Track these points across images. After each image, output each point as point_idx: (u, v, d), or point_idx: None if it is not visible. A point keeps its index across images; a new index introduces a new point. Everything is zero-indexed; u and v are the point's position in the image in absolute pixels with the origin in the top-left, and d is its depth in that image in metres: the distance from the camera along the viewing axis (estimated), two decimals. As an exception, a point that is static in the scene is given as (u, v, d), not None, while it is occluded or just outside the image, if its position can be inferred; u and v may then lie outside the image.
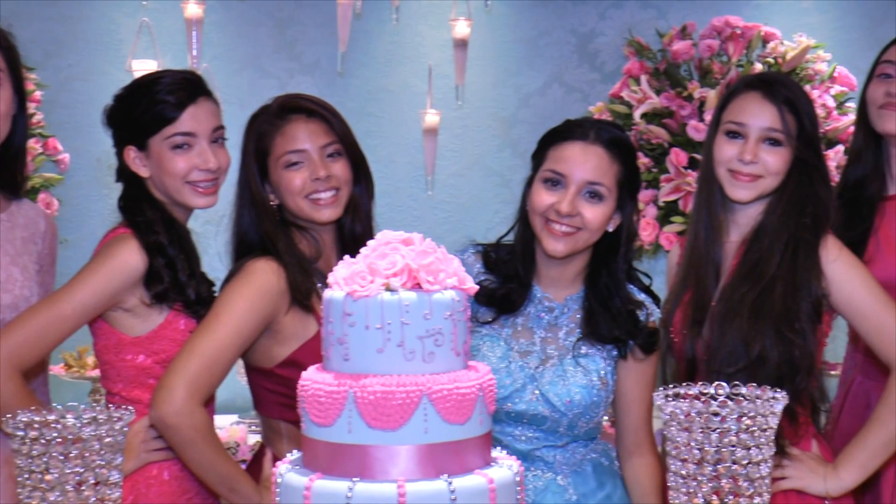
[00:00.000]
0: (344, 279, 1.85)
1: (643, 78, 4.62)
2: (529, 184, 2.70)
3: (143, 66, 4.55)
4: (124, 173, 2.78)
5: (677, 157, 4.41)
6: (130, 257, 2.62)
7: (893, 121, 2.95)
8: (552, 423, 2.64)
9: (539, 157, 2.69)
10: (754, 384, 1.97)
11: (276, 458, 2.53)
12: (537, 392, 2.63)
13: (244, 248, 2.74)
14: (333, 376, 1.83)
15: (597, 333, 2.67)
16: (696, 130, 4.36)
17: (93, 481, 1.87)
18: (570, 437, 2.68)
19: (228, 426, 4.49)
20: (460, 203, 5.49)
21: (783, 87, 2.72)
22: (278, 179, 2.74)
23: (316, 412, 1.82)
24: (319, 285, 2.60)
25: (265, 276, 2.63)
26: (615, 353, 2.69)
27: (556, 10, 5.50)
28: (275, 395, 2.69)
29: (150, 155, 2.72)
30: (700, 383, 1.98)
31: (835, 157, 4.33)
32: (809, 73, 4.61)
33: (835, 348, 3.24)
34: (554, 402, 2.62)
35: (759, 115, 2.69)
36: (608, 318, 2.67)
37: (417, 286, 1.84)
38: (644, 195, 4.48)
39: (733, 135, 2.71)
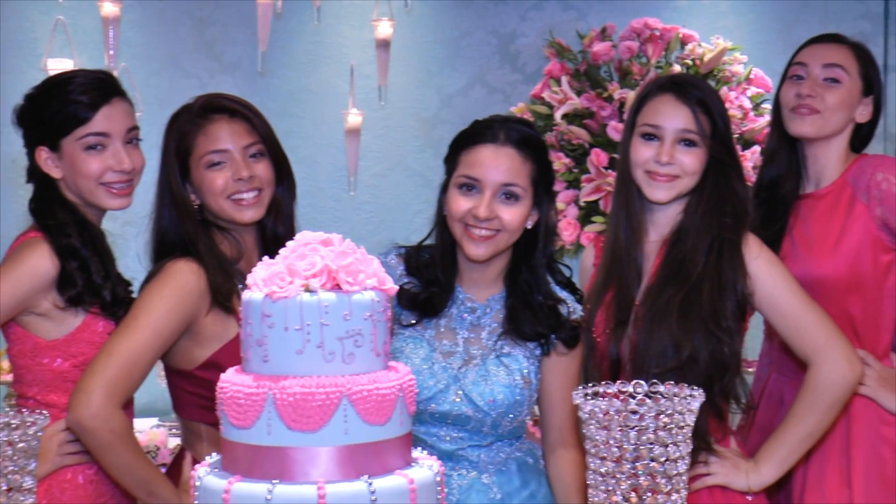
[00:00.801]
0: (263, 280, 1.84)
1: (564, 79, 4.65)
2: (445, 189, 2.70)
3: (59, 66, 4.48)
4: (35, 174, 2.74)
5: (598, 157, 4.44)
6: (40, 262, 2.59)
7: (805, 123, 3.00)
8: (476, 422, 2.65)
9: (452, 161, 2.69)
10: (685, 384, 1.99)
11: (195, 461, 2.51)
12: (461, 392, 2.64)
13: (164, 249, 2.71)
14: (252, 378, 1.82)
15: (519, 331, 2.68)
16: (617, 131, 4.40)
17: (5, 487, 1.84)
18: (495, 436, 2.68)
19: (148, 429, 4.45)
20: (382, 203, 5.48)
21: (695, 88, 2.76)
22: (200, 179, 2.72)
23: (235, 414, 1.81)
24: (240, 286, 2.57)
25: (185, 276, 2.61)
26: (538, 351, 2.70)
27: (477, 11, 5.52)
28: (195, 397, 2.66)
29: (62, 156, 2.68)
30: (619, 382, 2.00)
31: (752, 158, 4.39)
32: (726, 75, 4.67)
33: (752, 346, 3.29)
34: (477, 402, 2.63)
35: (673, 116, 2.73)
36: (530, 315, 2.68)
37: (337, 287, 1.83)
38: (565, 195, 4.51)
39: (649, 137, 2.75)
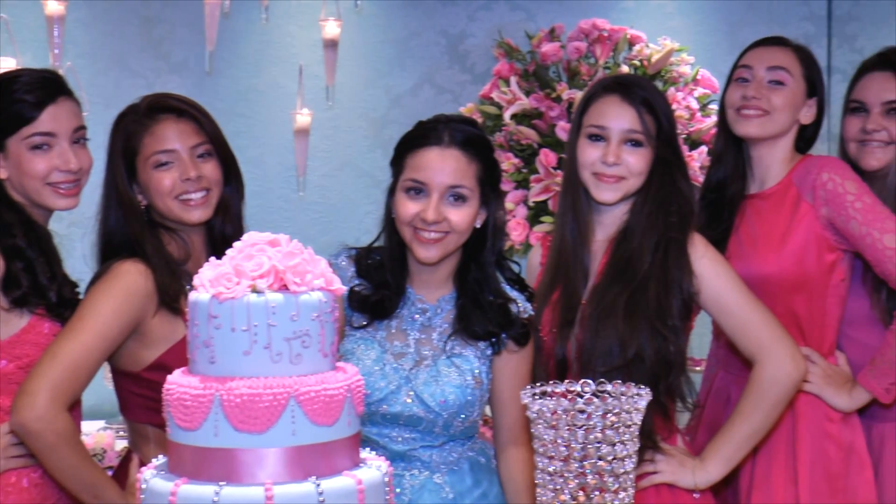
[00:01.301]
0: (209, 281, 1.83)
1: (513, 79, 4.66)
2: (392, 192, 2.70)
3: (2, 65, 4.41)
4: (-21, 175, 2.71)
5: (546, 157, 4.46)
6: (-17, 264, 2.56)
7: (751, 124, 3.03)
8: (428, 423, 2.65)
9: (397, 164, 2.69)
10: (631, 383, 2.00)
11: (142, 464, 2.49)
12: (412, 393, 2.63)
13: (110, 250, 2.70)
14: (199, 379, 1.81)
15: (469, 330, 2.68)
16: (565, 131, 4.41)
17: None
18: (447, 436, 2.68)
19: (95, 432, 4.40)
20: (331, 204, 5.46)
21: (640, 88, 2.79)
22: (147, 180, 2.70)
23: (181, 416, 1.80)
24: (188, 287, 2.56)
25: (132, 277, 2.59)
26: (489, 351, 2.70)
27: (426, 11, 5.52)
28: (142, 399, 2.64)
29: (7, 156, 2.66)
30: (567, 381, 2.01)
31: (699, 158, 4.43)
32: (674, 76, 4.71)
33: (698, 344, 3.32)
34: (428, 403, 2.62)
35: (619, 117, 2.75)
36: (480, 315, 2.68)
37: (284, 288, 1.83)
38: (514, 195, 4.52)
39: (595, 137, 2.77)
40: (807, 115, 3.08)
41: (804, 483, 2.91)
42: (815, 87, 3.07)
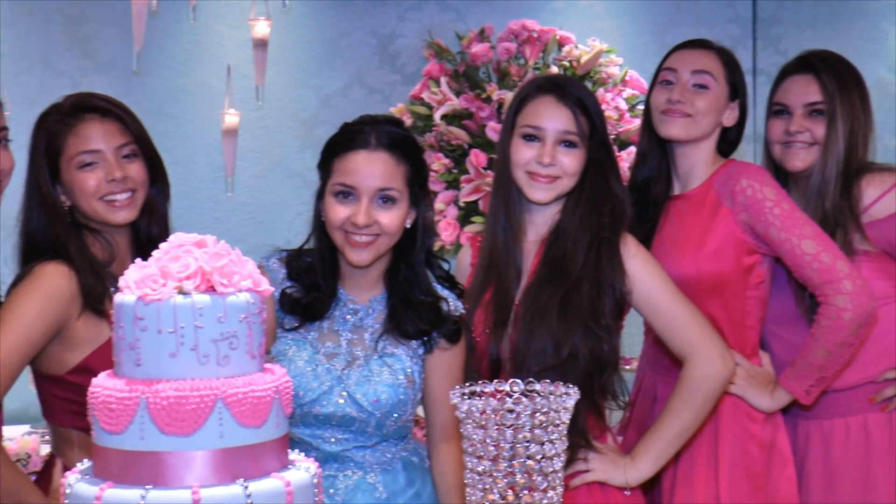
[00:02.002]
0: (135, 282, 1.81)
1: (443, 80, 4.67)
2: (321, 195, 2.69)
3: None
4: None
5: (477, 157, 4.47)
6: None
7: (675, 125, 3.05)
8: (361, 423, 2.64)
9: (325, 168, 2.68)
10: (560, 382, 2.01)
11: (66, 469, 2.46)
12: (345, 394, 2.62)
13: (33, 252, 2.66)
14: (125, 382, 1.79)
15: (401, 329, 2.67)
16: (495, 132, 4.43)
17: None
18: (380, 436, 2.68)
19: (19, 437, 4.34)
20: (261, 205, 5.44)
21: (574, 89, 2.81)
22: (71, 180, 2.67)
23: (107, 419, 1.78)
24: (113, 289, 2.53)
25: (55, 279, 2.56)
26: (421, 350, 2.70)
27: (355, 11, 5.51)
28: (66, 402, 2.61)
29: (-75, 158, 2.61)
30: (496, 381, 2.01)
31: (627, 158, 4.46)
32: (602, 77, 4.74)
33: (628, 343, 3.35)
34: (361, 403, 2.61)
35: (554, 118, 2.76)
36: (411, 314, 2.68)
37: (211, 289, 1.81)
38: (444, 196, 4.53)
39: (530, 138, 2.78)
40: (729, 118, 3.11)
41: (725, 482, 2.94)
42: (737, 90, 3.11)
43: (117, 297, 1.83)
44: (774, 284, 3.10)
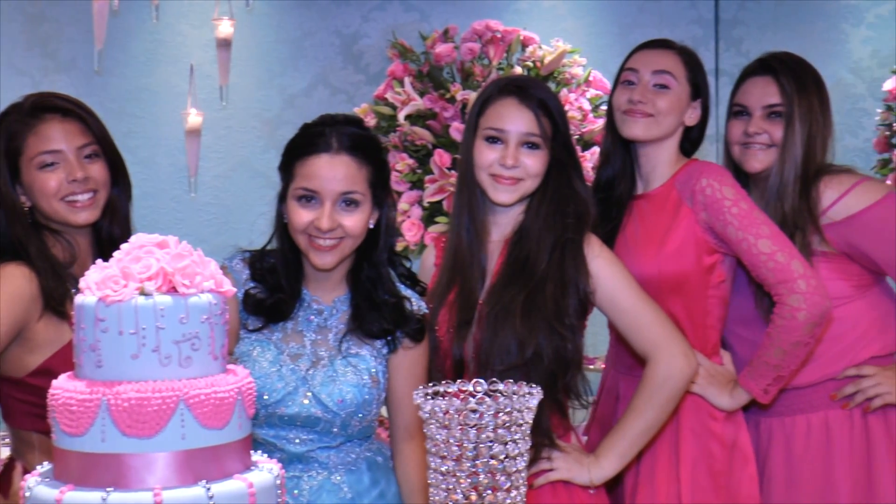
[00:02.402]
0: (96, 284, 1.80)
1: (407, 80, 4.66)
2: (283, 198, 2.68)
3: None
4: None
5: (441, 158, 4.47)
6: None
7: (637, 125, 3.07)
8: (325, 423, 2.63)
9: (287, 171, 2.66)
10: (523, 382, 2.01)
11: (26, 471, 2.44)
12: (309, 394, 2.62)
13: (-7, 253, 2.64)
14: (86, 384, 1.78)
15: (365, 329, 2.67)
16: (459, 132, 4.42)
17: None
18: (345, 437, 2.68)
19: (-20, 440, 4.29)
20: (225, 205, 5.42)
21: (536, 90, 2.82)
22: (31, 181, 2.65)
23: (67, 422, 1.77)
24: (74, 290, 2.52)
25: (15, 281, 2.54)
26: (385, 350, 2.70)
27: (319, 11, 5.50)
28: (26, 405, 2.59)
29: None
30: (459, 381, 2.01)
31: (591, 159, 4.47)
32: (566, 77, 4.74)
33: (591, 343, 3.36)
34: (326, 403, 2.61)
35: (516, 120, 2.77)
36: (375, 314, 2.67)
37: (173, 290, 1.81)
38: (408, 196, 4.52)
39: (493, 140, 2.79)
40: (691, 117, 3.13)
41: (686, 480, 2.95)
42: (699, 89, 3.12)
43: (78, 299, 1.82)
44: (735, 284, 3.12)
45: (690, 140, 3.18)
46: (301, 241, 2.63)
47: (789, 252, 2.92)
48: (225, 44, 4.78)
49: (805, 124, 3.10)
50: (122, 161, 2.78)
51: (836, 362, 3.10)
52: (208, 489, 1.74)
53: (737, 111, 3.21)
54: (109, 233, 2.75)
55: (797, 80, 3.14)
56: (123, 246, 1.86)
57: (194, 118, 4.81)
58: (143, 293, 1.78)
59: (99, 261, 1.86)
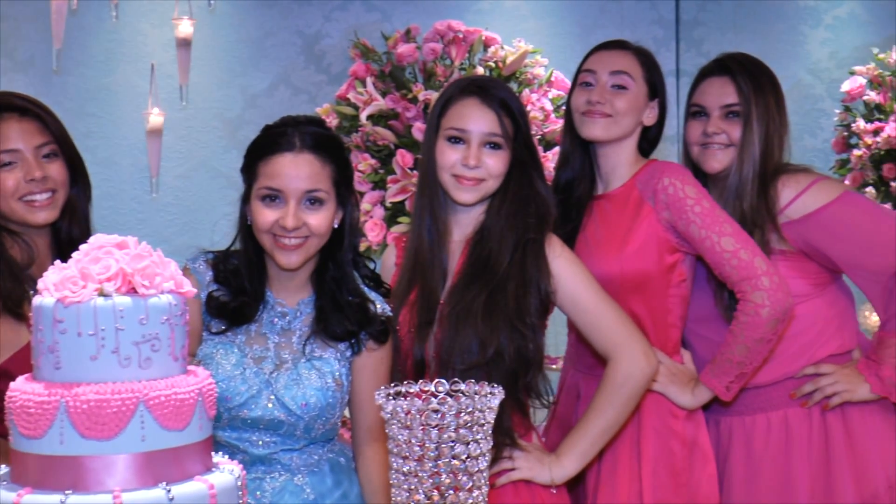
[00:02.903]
0: (54, 285, 1.79)
1: (369, 80, 4.65)
2: (246, 199, 2.67)
3: None
4: None
5: (403, 158, 4.47)
6: None
7: (596, 126, 3.08)
8: (289, 426, 2.63)
9: (250, 172, 2.66)
10: (485, 382, 2.01)
11: (-15, 474, 2.41)
12: (273, 397, 2.61)
13: (-51, 255, 2.61)
14: (44, 386, 1.77)
15: (329, 331, 2.67)
16: (422, 132, 4.42)
17: None
18: (308, 439, 2.67)
19: (-62, 443, 4.24)
20: (186, 205, 5.39)
21: (497, 90, 2.83)
22: (-12, 181, 2.63)
23: (25, 424, 1.75)
24: (32, 292, 2.49)
25: (-28, 283, 2.52)
26: (349, 353, 2.69)
27: (281, 10, 5.48)
28: (-17, 408, 2.56)
29: None
30: (421, 381, 2.01)
31: (553, 159, 4.47)
32: (528, 77, 4.75)
33: (553, 343, 3.37)
34: (290, 406, 2.60)
35: (478, 120, 2.78)
36: (339, 315, 2.67)
37: (132, 291, 1.80)
38: (371, 196, 4.52)
39: (455, 140, 2.79)
40: (649, 117, 3.15)
41: (647, 479, 2.96)
42: (656, 89, 3.14)
43: (36, 300, 1.81)
44: (695, 283, 3.14)
45: (648, 140, 3.20)
46: (266, 242, 2.63)
47: (752, 250, 2.94)
48: (185, 43, 4.76)
49: (762, 123, 3.12)
50: (81, 161, 2.76)
51: (795, 360, 3.13)
52: (168, 491, 1.73)
53: (695, 111, 3.22)
54: (69, 233, 2.73)
55: (753, 80, 3.16)
56: (82, 247, 1.86)
57: (156, 118, 4.79)
58: (102, 294, 1.78)
59: (57, 262, 1.85)
